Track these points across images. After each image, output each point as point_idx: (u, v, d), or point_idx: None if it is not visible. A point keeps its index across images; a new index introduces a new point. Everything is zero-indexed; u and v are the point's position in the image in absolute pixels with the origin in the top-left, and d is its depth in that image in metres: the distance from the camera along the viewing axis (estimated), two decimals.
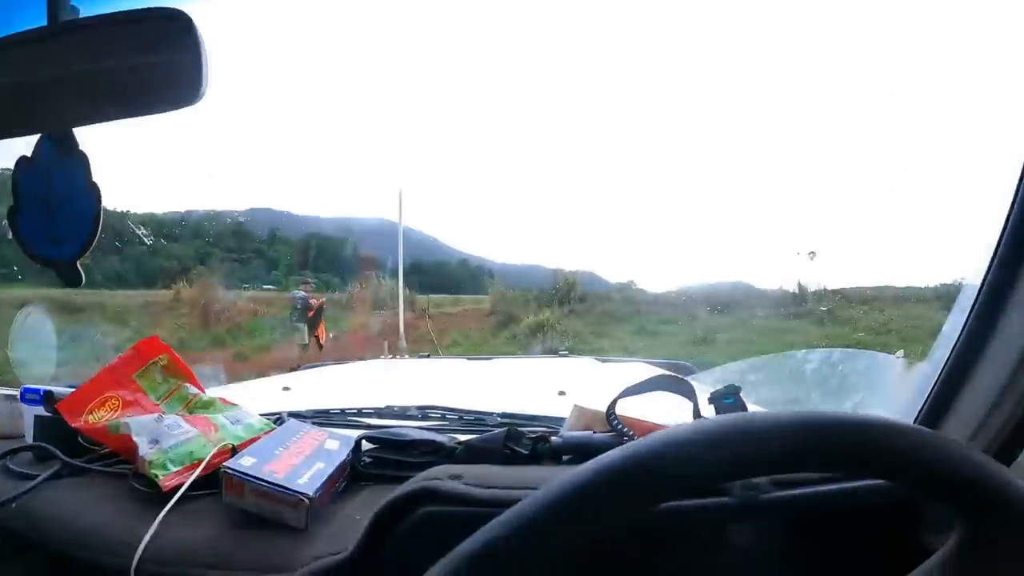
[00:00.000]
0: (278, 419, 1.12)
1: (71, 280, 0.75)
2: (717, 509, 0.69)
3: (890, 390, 1.17)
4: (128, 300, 13.76)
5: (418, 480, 0.76)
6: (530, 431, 0.94)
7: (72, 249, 0.74)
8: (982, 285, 0.75)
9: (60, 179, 0.75)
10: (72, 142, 0.73)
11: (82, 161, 0.74)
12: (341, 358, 3.05)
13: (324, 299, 13.05)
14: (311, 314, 11.43)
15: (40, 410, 1.11)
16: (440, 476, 0.76)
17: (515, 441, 0.92)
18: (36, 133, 0.74)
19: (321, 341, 11.41)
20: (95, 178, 0.75)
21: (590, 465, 0.41)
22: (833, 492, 0.70)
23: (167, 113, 0.67)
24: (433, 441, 0.95)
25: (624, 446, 0.42)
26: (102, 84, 0.68)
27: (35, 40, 0.68)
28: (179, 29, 0.63)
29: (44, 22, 0.68)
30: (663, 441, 0.41)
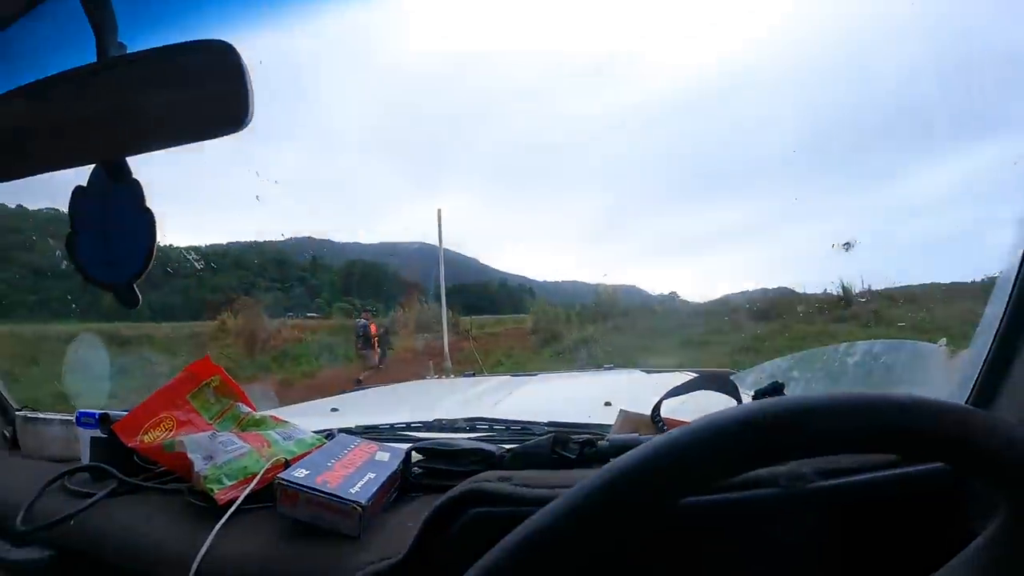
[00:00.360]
0: (329, 435, 1.14)
1: (128, 301, 0.77)
2: (764, 499, 0.68)
3: (936, 379, 1.15)
4: (174, 332, 14.03)
5: (467, 483, 0.77)
6: (577, 437, 0.94)
7: (129, 271, 0.77)
8: (1021, 265, 0.74)
9: (115, 206, 0.77)
10: (125, 170, 0.75)
11: (135, 188, 0.76)
12: (387, 381, 3.08)
13: (385, 325, 13.75)
14: (376, 339, 12.26)
15: (95, 432, 1.15)
16: (489, 479, 0.77)
17: (562, 446, 0.92)
18: (90, 164, 0.77)
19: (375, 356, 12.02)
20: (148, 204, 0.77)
21: (623, 457, 0.41)
22: (879, 479, 0.70)
23: (213, 140, 0.70)
24: (482, 450, 0.95)
25: (659, 435, 0.42)
26: (151, 115, 0.70)
27: (86, 75, 0.70)
28: (225, 61, 0.64)
29: (94, 58, 0.71)
30: (695, 428, 0.41)
